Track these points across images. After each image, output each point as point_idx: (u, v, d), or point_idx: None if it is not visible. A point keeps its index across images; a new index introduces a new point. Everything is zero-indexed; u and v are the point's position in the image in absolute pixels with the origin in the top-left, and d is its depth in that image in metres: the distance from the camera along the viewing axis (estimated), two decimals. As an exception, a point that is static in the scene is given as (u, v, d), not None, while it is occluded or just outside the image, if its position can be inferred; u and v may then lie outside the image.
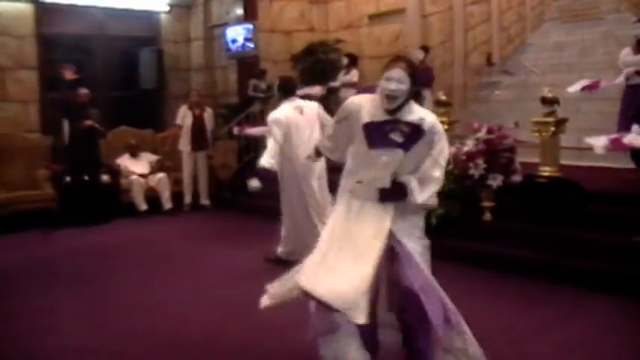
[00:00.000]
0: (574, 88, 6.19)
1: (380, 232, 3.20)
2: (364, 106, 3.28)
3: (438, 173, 3.25)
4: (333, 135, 3.53)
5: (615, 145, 5.03)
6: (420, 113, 3.23)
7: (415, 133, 3.17)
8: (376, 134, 3.21)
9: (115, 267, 6.22)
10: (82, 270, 6.12)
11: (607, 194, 5.87)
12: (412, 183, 3.20)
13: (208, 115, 9.37)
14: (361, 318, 3.03)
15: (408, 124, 3.18)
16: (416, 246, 3.23)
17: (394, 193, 3.22)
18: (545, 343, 4.02)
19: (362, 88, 9.28)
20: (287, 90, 6.10)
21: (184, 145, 9.17)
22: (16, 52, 9.34)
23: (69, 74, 8.61)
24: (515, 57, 8.84)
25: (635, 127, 4.99)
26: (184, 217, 8.92)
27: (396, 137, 3.18)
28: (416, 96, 3.33)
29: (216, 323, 4.56)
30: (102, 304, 5.08)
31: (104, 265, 6.28)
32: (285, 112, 5.82)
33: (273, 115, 5.83)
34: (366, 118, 3.24)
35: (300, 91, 8.92)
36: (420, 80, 8.51)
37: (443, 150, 3.26)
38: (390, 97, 3.13)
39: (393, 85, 3.10)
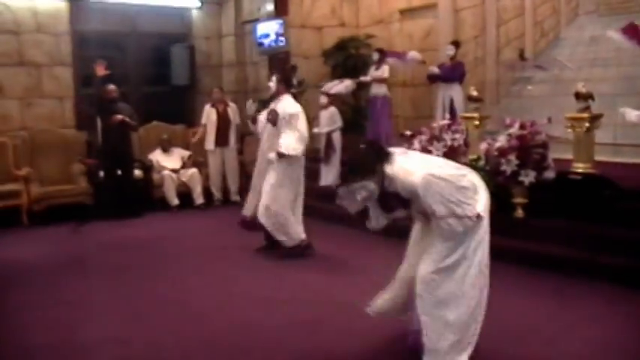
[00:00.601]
0: (615, 35, 5.95)
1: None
2: None
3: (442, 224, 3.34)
4: None
5: None
6: (396, 184, 3.35)
7: (401, 199, 3.41)
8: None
9: (147, 261, 6.30)
10: (115, 263, 6.21)
11: (643, 191, 5.76)
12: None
13: (233, 110, 9.46)
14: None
15: (394, 194, 3.41)
16: (426, 271, 3.42)
17: None
18: (579, 341, 3.96)
19: (392, 53, 9.25)
20: (289, 83, 6.30)
21: (209, 143, 9.25)
22: (52, 49, 9.49)
23: (100, 70, 8.72)
24: (549, 52, 8.70)
25: None
26: (215, 212, 8.99)
27: (393, 204, 3.49)
28: (383, 160, 3.41)
29: (249, 317, 4.58)
30: (135, 296, 5.15)
31: (137, 259, 6.36)
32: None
33: (295, 109, 6.03)
34: None
35: (329, 85, 8.91)
36: (452, 76, 8.53)
37: (431, 205, 3.28)
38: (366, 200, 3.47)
39: (358, 197, 3.39)
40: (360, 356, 3.84)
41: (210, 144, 9.27)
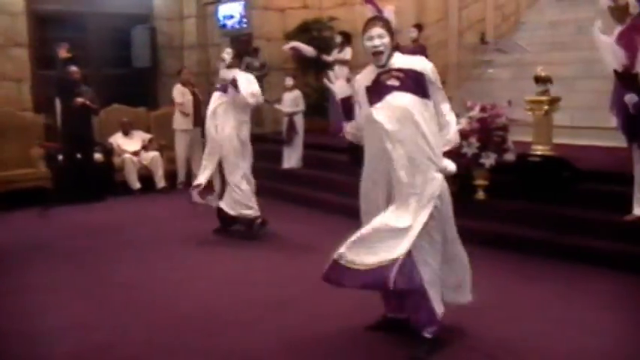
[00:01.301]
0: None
1: None
2: (360, 79, 3.62)
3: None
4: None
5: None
6: (405, 60, 3.52)
7: (408, 76, 3.43)
8: (375, 89, 3.50)
9: (110, 244, 6.24)
10: (78, 248, 6.14)
11: (600, 172, 5.91)
12: None
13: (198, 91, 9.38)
14: None
15: (400, 69, 3.46)
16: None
17: None
18: (541, 320, 4.06)
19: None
20: (241, 60, 6.37)
21: (186, 123, 9.11)
22: (9, 29, 9.24)
23: (62, 53, 8.54)
24: (510, 35, 8.83)
25: (627, 95, 4.95)
26: (178, 195, 8.90)
27: (392, 82, 3.45)
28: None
29: (215, 300, 4.59)
30: (98, 281, 5.11)
31: (99, 243, 6.29)
32: None
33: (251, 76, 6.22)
34: (364, 85, 3.57)
35: (291, 44, 8.85)
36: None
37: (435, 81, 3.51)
38: (376, 53, 3.47)
39: (376, 41, 3.45)
40: (327, 335, 3.87)
41: (188, 124, 9.13)
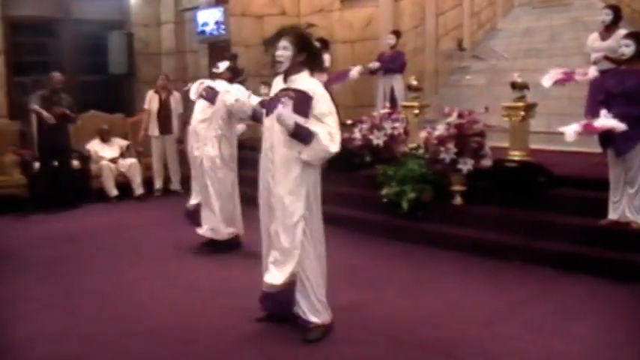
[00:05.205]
0: (547, 83, 6.10)
1: None
2: (273, 86, 4.03)
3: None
4: None
5: (586, 130, 5.06)
6: (309, 85, 3.79)
7: (302, 98, 3.73)
8: (271, 102, 3.91)
9: (85, 253, 6.17)
10: (53, 256, 6.05)
11: (575, 178, 5.97)
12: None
13: (175, 99, 9.31)
14: None
15: (297, 90, 3.77)
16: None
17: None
18: (515, 324, 4.09)
19: (334, 79, 9.09)
20: (235, 75, 6.25)
21: (153, 129, 9.12)
22: (-18, 36, 9.14)
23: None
24: (486, 42, 8.89)
25: (603, 111, 5.05)
26: (155, 202, 8.86)
27: (284, 99, 3.76)
28: (313, 65, 3.93)
29: (188, 308, 4.55)
30: (72, 290, 5.03)
31: (74, 251, 6.22)
32: None
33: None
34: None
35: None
36: (393, 66, 8.58)
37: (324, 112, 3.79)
38: (277, 62, 3.86)
39: (278, 52, 3.84)
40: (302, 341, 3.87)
41: (154, 130, 9.13)
